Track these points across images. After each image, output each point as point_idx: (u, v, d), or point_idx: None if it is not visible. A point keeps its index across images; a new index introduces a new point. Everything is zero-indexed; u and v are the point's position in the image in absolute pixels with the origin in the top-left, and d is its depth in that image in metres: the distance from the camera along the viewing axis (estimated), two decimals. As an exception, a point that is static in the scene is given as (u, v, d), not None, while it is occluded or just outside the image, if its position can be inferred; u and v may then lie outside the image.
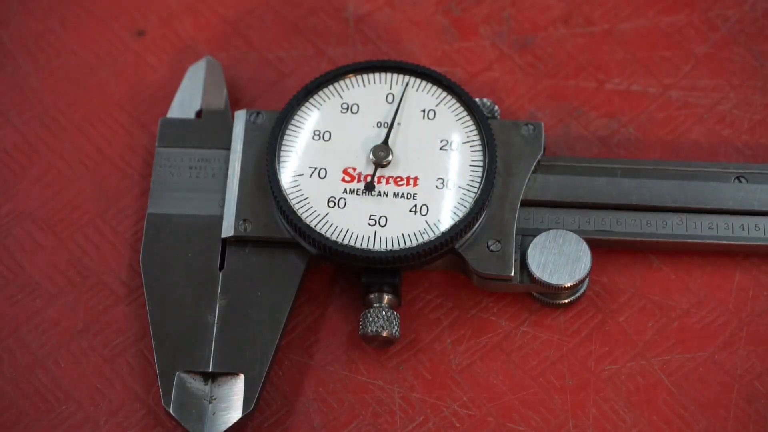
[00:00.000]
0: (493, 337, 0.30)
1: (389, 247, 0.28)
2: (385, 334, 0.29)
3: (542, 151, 0.30)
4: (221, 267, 0.29)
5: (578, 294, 0.30)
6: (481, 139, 0.29)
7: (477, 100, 0.30)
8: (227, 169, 0.30)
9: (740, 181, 0.30)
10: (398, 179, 0.29)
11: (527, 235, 0.29)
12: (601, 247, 0.30)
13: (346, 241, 0.28)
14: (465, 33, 0.35)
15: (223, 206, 0.30)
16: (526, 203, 0.29)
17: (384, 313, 0.29)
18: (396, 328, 0.29)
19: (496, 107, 0.31)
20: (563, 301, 0.30)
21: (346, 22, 0.35)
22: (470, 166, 0.29)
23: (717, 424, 0.29)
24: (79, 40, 0.35)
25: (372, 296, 0.29)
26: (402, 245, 0.28)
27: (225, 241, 0.30)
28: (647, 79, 0.34)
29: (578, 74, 0.34)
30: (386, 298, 0.29)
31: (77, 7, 0.35)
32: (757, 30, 0.34)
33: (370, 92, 0.30)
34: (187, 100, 0.32)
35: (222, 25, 0.35)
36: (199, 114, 0.32)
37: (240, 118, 0.30)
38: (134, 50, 0.35)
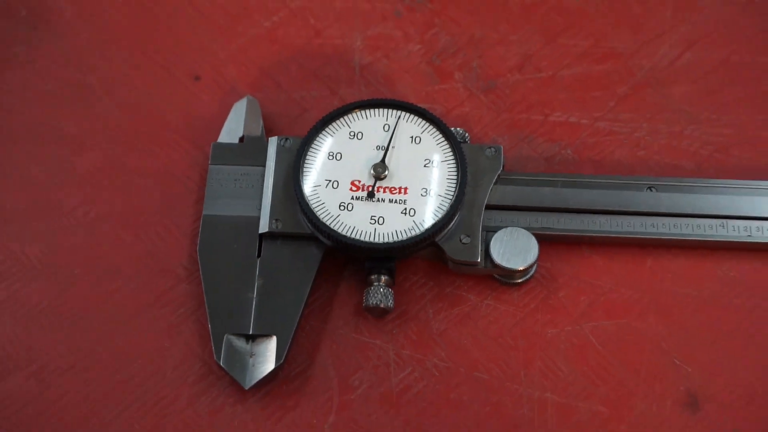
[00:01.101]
0: (464, 309, 0.31)
1: (386, 240, 0.28)
2: (382, 305, 0.29)
3: (501, 168, 0.29)
4: (258, 255, 0.29)
5: (528, 276, 0.30)
6: (456, 158, 0.29)
7: (452, 129, 0.30)
8: (263, 181, 0.30)
9: (651, 191, 0.30)
10: (392, 189, 0.29)
11: (490, 231, 0.29)
12: (546, 240, 0.30)
13: (352, 236, 0.28)
14: (443, 78, 0.34)
15: (259, 209, 0.30)
16: (489, 207, 0.29)
17: (381, 290, 0.29)
18: (390, 301, 0.29)
19: (467, 134, 0.31)
20: (517, 281, 0.30)
21: (353, 69, 0.35)
22: (447, 179, 0.29)
23: (632, 375, 0.30)
24: (150, 82, 0.35)
25: (373, 277, 0.29)
26: (395, 239, 0.28)
27: (261, 236, 0.30)
28: (581, 113, 0.34)
29: (529, 110, 0.34)
30: (384, 279, 0.29)
31: (148, 58, 0.35)
32: (664, 76, 0.34)
33: (371, 123, 0.30)
34: (232, 129, 0.32)
35: (258, 72, 0.35)
36: (241, 139, 0.32)
37: (272, 143, 0.30)
38: (192, 91, 0.35)
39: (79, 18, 0.36)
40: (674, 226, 0.30)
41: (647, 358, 0.30)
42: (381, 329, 0.31)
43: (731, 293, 0.30)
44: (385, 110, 0.31)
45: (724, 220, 0.30)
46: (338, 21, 0.35)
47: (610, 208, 0.30)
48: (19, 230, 0.32)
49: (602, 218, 0.30)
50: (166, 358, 0.30)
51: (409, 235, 0.29)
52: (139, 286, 0.31)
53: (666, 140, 0.33)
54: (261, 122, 0.32)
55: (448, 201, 0.29)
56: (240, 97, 0.34)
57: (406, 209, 0.29)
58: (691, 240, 0.30)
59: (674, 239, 0.30)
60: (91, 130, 0.34)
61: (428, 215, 0.29)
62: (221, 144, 0.31)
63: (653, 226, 0.30)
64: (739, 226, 0.30)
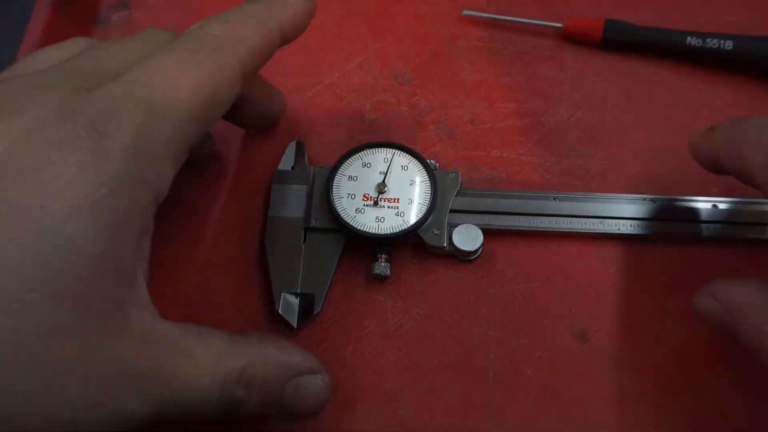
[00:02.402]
0: (436, 275, 0.31)
1: (385, 232, 0.30)
2: (382, 274, 0.30)
3: (459, 186, 0.30)
4: (304, 242, 0.30)
5: (476, 255, 0.30)
6: (431, 180, 0.30)
7: (429, 161, 0.31)
8: (306, 194, 0.31)
9: (555, 200, 0.31)
10: (389, 199, 0.30)
11: (452, 226, 0.29)
12: (489, 233, 0.30)
13: (364, 230, 0.29)
14: (422, 128, 0.35)
15: (305, 212, 0.31)
16: (452, 211, 0.30)
17: (383, 264, 0.30)
18: (388, 271, 0.30)
19: (437, 164, 0.31)
20: (469, 259, 0.30)
21: (365, 122, 0.35)
22: (425, 193, 0.30)
23: (543, 318, 0.30)
24: (234, 137, 0.34)
25: (378, 256, 0.30)
26: (391, 232, 0.29)
27: (305, 229, 0.30)
28: (510, 151, 0.34)
29: (477, 148, 0.34)
30: (384, 257, 0.30)
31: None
32: (563, 128, 0.35)
33: (376, 156, 0.31)
34: (287, 160, 0.32)
35: (307, 124, 0.35)
36: (293, 167, 0.32)
37: (311, 170, 0.31)
38: (259, 140, 0.35)
39: None
40: (570, 223, 0.31)
41: (553, 307, 0.31)
42: (383, 288, 0.31)
43: (607, 266, 0.31)
44: (385, 148, 0.32)
45: (603, 220, 0.31)
46: (355, 92, 0.36)
47: (529, 212, 0.31)
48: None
49: (524, 218, 0.31)
50: (242, 309, 0.30)
51: (400, 229, 0.30)
52: (227, 265, 0.31)
53: (565, 168, 0.34)
54: (305, 156, 0.33)
55: (425, 207, 0.30)
56: (293, 139, 0.34)
57: (398, 212, 0.30)
58: (581, 232, 0.31)
59: (570, 232, 0.31)
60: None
61: (413, 216, 0.30)
62: (280, 170, 0.32)
63: (556, 223, 0.31)
64: (611, 224, 0.31)
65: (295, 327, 0.29)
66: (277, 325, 0.30)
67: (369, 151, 0.32)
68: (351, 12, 0.38)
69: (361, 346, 0.30)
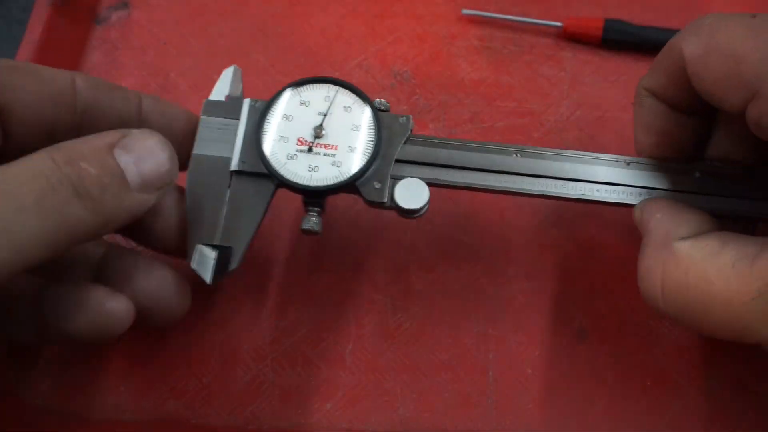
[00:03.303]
0: (436, 275, 0.31)
1: (317, 184, 0.26)
2: (312, 230, 0.26)
3: (409, 132, 0.27)
4: (229, 186, 0.26)
5: (422, 212, 0.26)
6: (375, 125, 0.26)
7: (377, 100, 0.27)
8: (237, 131, 0.27)
9: (516, 155, 0.27)
10: (326, 146, 0.26)
11: (397, 179, 0.26)
12: (436, 186, 0.26)
13: (293, 180, 0.26)
14: (422, 128, 0.35)
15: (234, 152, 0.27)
16: (398, 161, 0.26)
17: (312, 218, 0.26)
18: (319, 227, 0.26)
19: (389, 106, 0.27)
20: (414, 216, 0.26)
21: None
22: (367, 140, 0.26)
23: (550, 320, 0.30)
24: None
25: (309, 209, 0.27)
26: (324, 184, 0.26)
27: (232, 172, 0.27)
28: None
29: None
30: (316, 211, 0.27)
31: None
32: (562, 126, 0.35)
33: (317, 94, 0.27)
34: (221, 89, 0.28)
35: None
36: (226, 98, 0.28)
37: (246, 104, 0.27)
38: None
39: (191, 90, 0.36)
40: (531, 183, 0.26)
41: (553, 307, 0.30)
42: (383, 290, 0.31)
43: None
44: (327, 85, 0.28)
45: (569, 182, 0.26)
46: None
47: (486, 168, 0.26)
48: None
49: (477, 174, 0.26)
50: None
51: (335, 181, 0.26)
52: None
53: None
54: (241, 87, 0.29)
55: (367, 157, 0.26)
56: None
57: (335, 161, 0.26)
58: (543, 195, 0.26)
59: (530, 193, 0.26)
60: None
61: (351, 167, 0.26)
62: (210, 100, 0.28)
63: (514, 183, 0.26)
64: (581, 187, 0.26)
65: (209, 282, 0.25)
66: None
67: (309, 87, 0.27)
68: (351, 12, 0.38)
69: (361, 346, 0.30)
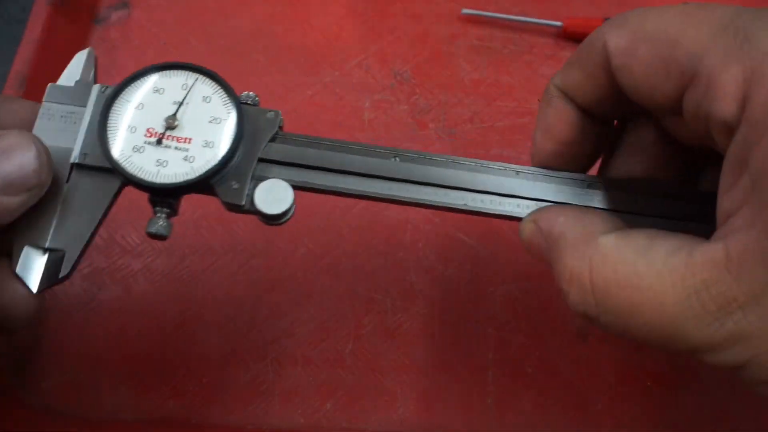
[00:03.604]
0: (436, 274, 0.31)
1: (164, 181, 0.22)
2: (158, 234, 0.23)
3: (277, 129, 0.24)
4: (67, 180, 0.23)
5: (287, 218, 0.23)
6: (238, 119, 0.23)
7: (244, 93, 0.24)
8: (82, 120, 0.24)
9: (395, 159, 0.23)
10: (179, 138, 0.23)
11: (261, 179, 0.23)
12: (303, 190, 0.23)
13: (137, 174, 0.22)
14: (422, 127, 0.35)
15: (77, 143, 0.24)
16: (262, 160, 0.23)
17: (160, 221, 0.23)
18: (167, 230, 0.23)
19: (257, 99, 0.24)
20: (278, 222, 0.23)
21: (364, 121, 0.34)
22: (226, 135, 0.23)
23: (550, 321, 0.30)
24: None
25: (156, 209, 0.23)
26: (171, 181, 0.22)
27: (72, 165, 0.23)
28: (510, 150, 0.34)
29: (476, 147, 0.34)
30: (165, 212, 0.23)
31: None
32: None
33: (173, 81, 0.24)
34: (72, 74, 0.25)
35: (305, 123, 0.34)
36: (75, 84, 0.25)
37: (95, 90, 0.24)
38: None
39: None
40: (408, 191, 0.23)
41: (553, 307, 0.30)
42: (383, 289, 0.31)
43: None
44: (186, 72, 0.24)
45: (451, 191, 0.23)
46: (354, 90, 0.36)
47: (361, 171, 0.23)
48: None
49: (353, 179, 0.23)
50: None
51: (185, 178, 0.22)
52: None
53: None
54: (93, 71, 0.26)
55: (223, 153, 0.23)
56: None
57: (187, 156, 0.23)
58: (421, 203, 0.23)
59: (407, 201, 0.23)
60: None
61: (205, 163, 0.23)
62: (56, 86, 0.25)
63: (390, 189, 0.23)
64: (458, 195, 0.23)
65: (36, 291, 0.22)
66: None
67: (166, 74, 0.24)
68: (351, 12, 0.38)
69: (361, 346, 0.30)
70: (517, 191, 0.23)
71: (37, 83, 0.34)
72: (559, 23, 0.36)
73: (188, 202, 0.33)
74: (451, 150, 0.34)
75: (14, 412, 0.28)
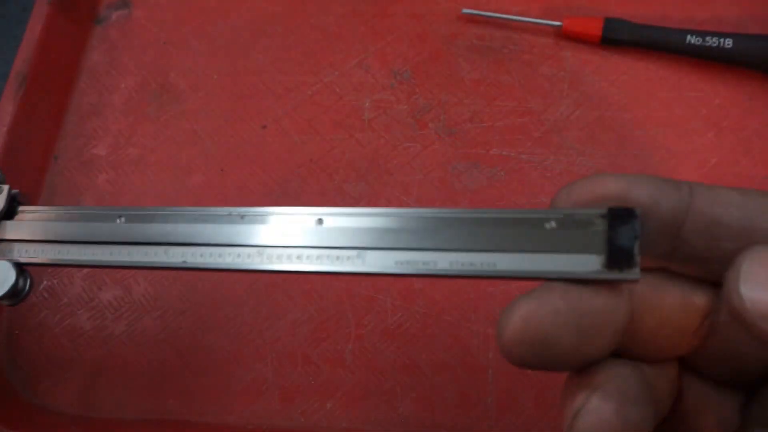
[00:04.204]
0: None
1: None
2: None
3: (4, 205, 0.21)
4: None
5: (20, 298, 0.22)
6: None
7: None
8: None
9: (120, 220, 0.20)
10: None
11: None
12: (29, 266, 0.22)
13: None
14: (422, 127, 0.34)
15: None
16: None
17: None
18: None
19: (4, 176, 0.23)
20: (11, 304, 0.22)
21: (364, 121, 0.34)
22: None
23: None
24: (235, 131, 0.35)
25: None
26: None
27: None
28: (510, 149, 0.34)
29: (476, 146, 0.34)
30: None
31: (235, 115, 0.35)
32: (562, 126, 0.34)
33: None
34: None
35: (305, 123, 0.34)
36: None
37: None
38: (261, 135, 0.35)
39: (191, 90, 0.36)
40: (131, 254, 0.20)
41: None
42: (383, 289, 0.30)
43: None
44: None
45: (168, 247, 0.19)
46: (354, 90, 0.36)
47: (84, 239, 0.20)
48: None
49: (76, 247, 0.20)
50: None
51: None
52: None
53: (563, 167, 0.33)
54: None
55: None
56: (293, 140, 0.34)
57: None
58: (144, 266, 0.20)
59: (131, 266, 0.20)
60: (197, 160, 0.34)
61: None
62: None
63: (111, 254, 0.20)
64: (178, 252, 0.19)
65: None
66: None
67: None
68: (351, 11, 0.38)
69: (361, 346, 0.30)
70: (240, 239, 0.19)
71: (37, 83, 0.34)
72: (558, 23, 0.36)
73: (189, 202, 0.33)
74: (452, 149, 0.34)
75: (14, 412, 0.28)
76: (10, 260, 0.21)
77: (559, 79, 0.35)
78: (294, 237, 0.18)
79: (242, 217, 0.19)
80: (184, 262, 0.19)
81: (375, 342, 0.30)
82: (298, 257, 0.18)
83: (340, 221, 0.17)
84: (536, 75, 0.36)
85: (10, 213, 0.21)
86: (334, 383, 0.28)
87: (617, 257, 0.15)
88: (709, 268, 0.15)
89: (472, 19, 0.37)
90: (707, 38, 0.34)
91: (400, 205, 0.32)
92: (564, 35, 0.36)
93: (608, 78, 0.35)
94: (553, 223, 0.16)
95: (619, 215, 0.15)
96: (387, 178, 0.33)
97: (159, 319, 0.30)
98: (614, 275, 0.15)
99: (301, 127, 0.34)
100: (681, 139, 0.33)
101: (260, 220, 0.19)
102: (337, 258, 0.17)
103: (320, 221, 0.18)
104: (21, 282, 0.21)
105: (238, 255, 0.19)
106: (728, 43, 0.34)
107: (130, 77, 0.36)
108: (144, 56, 0.37)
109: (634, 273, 0.15)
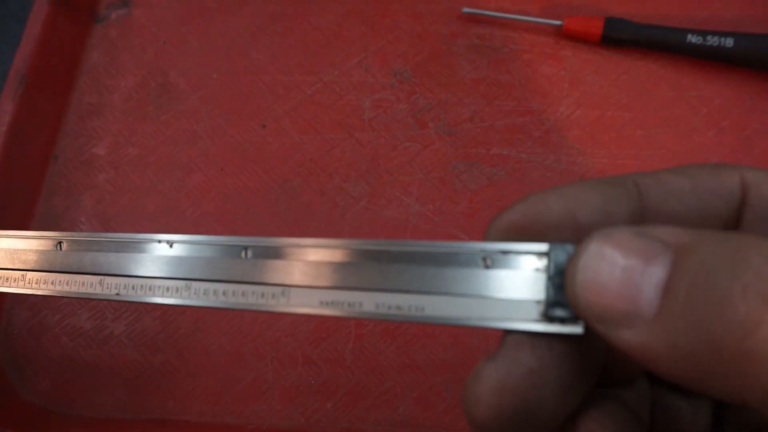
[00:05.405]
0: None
1: None
2: None
3: None
4: None
5: None
6: None
7: None
8: None
9: (59, 247, 0.18)
10: None
11: None
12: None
13: None
14: (422, 126, 0.34)
15: None
16: None
17: None
18: None
19: None
20: None
21: (364, 120, 0.34)
22: None
23: None
24: (236, 131, 0.35)
25: None
26: None
27: None
28: (510, 149, 0.33)
29: (477, 146, 0.34)
30: None
31: (236, 115, 0.35)
32: (562, 126, 0.34)
33: None
34: None
35: (305, 123, 0.34)
36: None
37: None
38: (262, 135, 0.34)
39: (191, 89, 0.36)
40: (67, 284, 0.18)
41: None
42: None
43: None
44: None
45: (104, 277, 0.18)
46: (354, 89, 0.35)
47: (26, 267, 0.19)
48: (157, 222, 0.32)
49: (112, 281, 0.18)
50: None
51: None
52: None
53: (563, 167, 0.33)
54: None
55: None
56: (293, 140, 0.34)
57: None
58: (79, 296, 0.18)
59: (66, 296, 0.18)
60: (197, 159, 0.34)
61: None
62: None
63: (47, 284, 0.18)
64: (113, 284, 0.18)
65: None
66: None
67: None
68: (351, 11, 0.37)
69: (361, 346, 0.29)
70: (174, 272, 0.17)
71: (37, 83, 0.34)
72: (558, 22, 0.36)
73: (189, 202, 0.33)
74: (452, 149, 0.33)
75: (14, 412, 0.28)
76: None
77: (559, 79, 0.35)
78: (221, 270, 0.17)
79: (170, 244, 0.18)
80: (118, 294, 0.18)
81: (375, 342, 0.29)
82: (224, 293, 0.16)
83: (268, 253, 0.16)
84: (537, 74, 0.35)
85: None
86: (334, 383, 0.28)
87: (558, 306, 0.12)
88: None
89: (473, 19, 0.37)
90: (708, 37, 0.34)
91: (400, 204, 0.32)
92: (564, 34, 0.36)
93: (608, 77, 0.35)
94: (487, 260, 0.13)
95: (562, 252, 0.12)
96: (387, 178, 0.33)
97: (159, 319, 0.30)
98: (554, 327, 0.12)
99: (301, 127, 0.34)
100: (681, 138, 0.33)
101: (183, 249, 0.18)
102: (262, 295, 0.16)
103: (246, 253, 0.16)
104: None
105: (167, 289, 0.18)
106: (729, 42, 0.33)
107: (129, 77, 0.36)
108: (144, 56, 0.36)
109: (577, 327, 0.12)
